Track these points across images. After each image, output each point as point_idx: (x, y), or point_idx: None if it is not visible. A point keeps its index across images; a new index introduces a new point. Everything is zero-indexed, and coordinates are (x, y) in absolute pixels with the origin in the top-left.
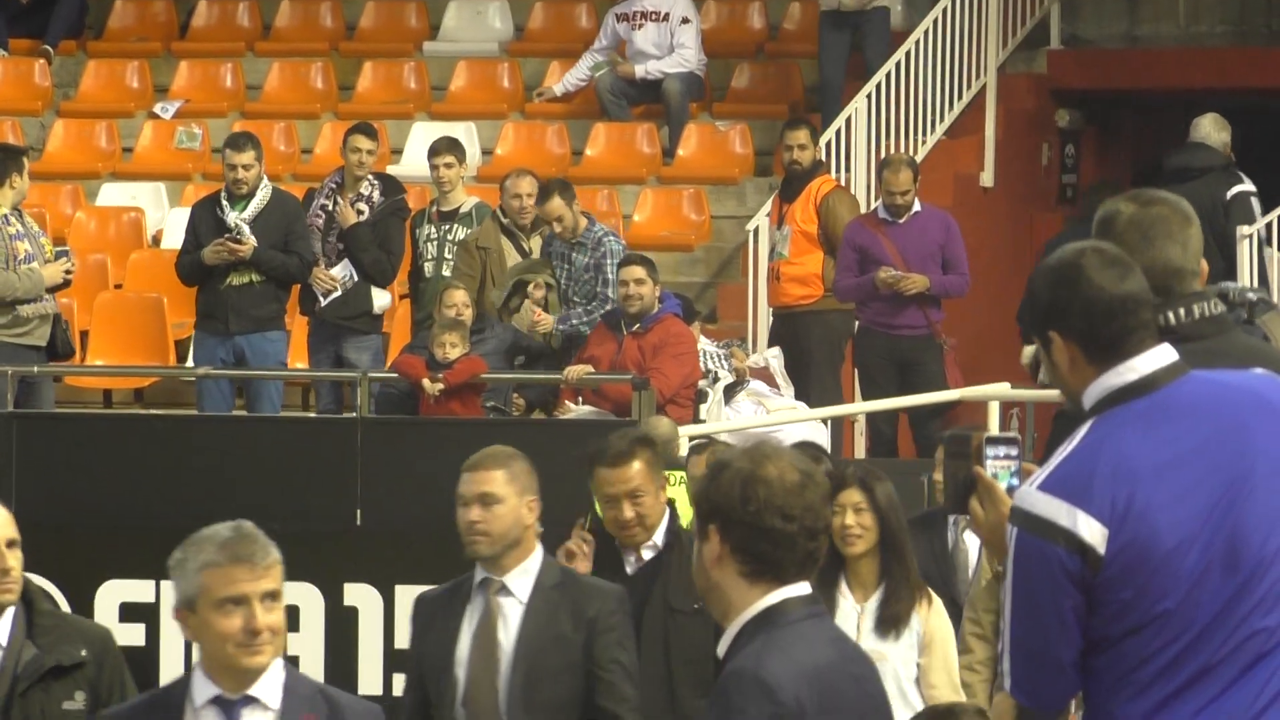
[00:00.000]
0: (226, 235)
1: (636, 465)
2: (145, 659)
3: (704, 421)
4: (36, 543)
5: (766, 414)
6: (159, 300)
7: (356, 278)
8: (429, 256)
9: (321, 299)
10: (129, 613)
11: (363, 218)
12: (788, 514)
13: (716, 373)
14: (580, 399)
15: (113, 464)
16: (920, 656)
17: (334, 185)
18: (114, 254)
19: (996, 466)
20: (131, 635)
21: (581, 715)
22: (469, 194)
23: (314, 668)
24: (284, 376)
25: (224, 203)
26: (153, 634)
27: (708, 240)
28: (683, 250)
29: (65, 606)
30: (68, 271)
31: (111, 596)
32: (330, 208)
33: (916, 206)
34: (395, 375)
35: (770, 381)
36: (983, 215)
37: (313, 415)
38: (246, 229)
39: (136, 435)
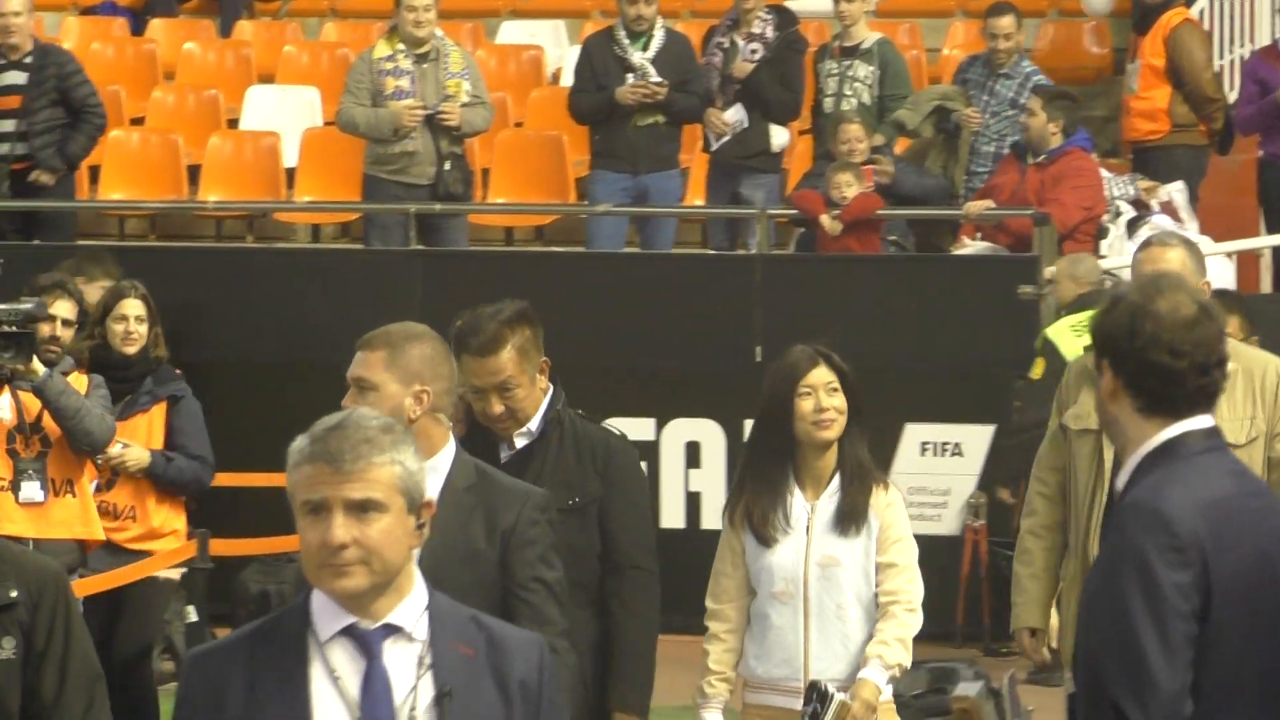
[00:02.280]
0: (643, 77)
1: (506, 354)
2: None
3: (1105, 257)
4: None
5: None
6: (559, 138)
7: (748, 123)
8: (829, 92)
9: (713, 140)
10: None
11: (757, 56)
12: (1176, 349)
13: (1118, 207)
14: (979, 235)
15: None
16: (878, 555)
17: (729, 22)
18: (514, 92)
19: None
20: None
21: None
22: (870, 29)
23: (715, 503)
24: (683, 213)
25: (623, 41)
26: None
27: (1109, 74)
28: (1084, 83)
29: None
30: (445, 114)
31: None
32: (726, 45)
33: None
34: (793, 211)
35: (1174, 215)
36: None
37: (711, 252)
38: (652, 69)
39: (537, 271)
